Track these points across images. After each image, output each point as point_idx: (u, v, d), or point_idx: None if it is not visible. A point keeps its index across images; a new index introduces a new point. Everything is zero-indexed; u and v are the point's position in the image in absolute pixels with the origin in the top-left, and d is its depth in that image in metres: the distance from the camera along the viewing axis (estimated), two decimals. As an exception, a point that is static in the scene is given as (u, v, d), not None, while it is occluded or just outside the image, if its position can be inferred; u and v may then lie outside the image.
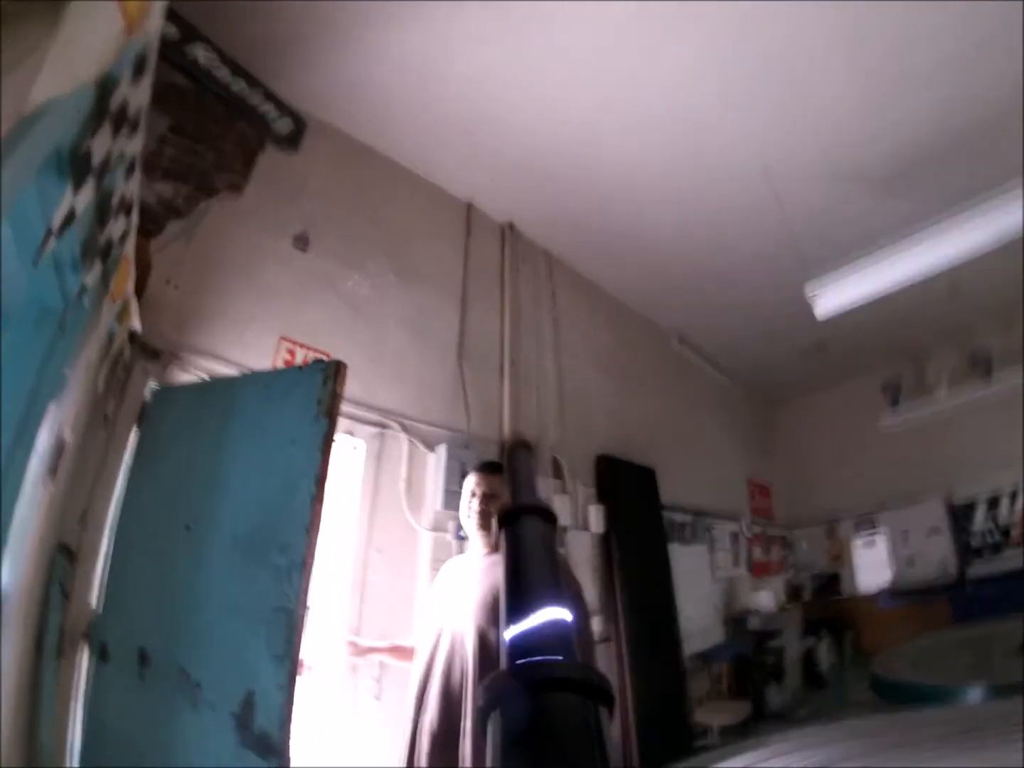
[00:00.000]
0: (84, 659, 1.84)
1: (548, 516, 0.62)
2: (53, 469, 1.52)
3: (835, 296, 3.73)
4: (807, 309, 3.96)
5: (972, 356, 6.52)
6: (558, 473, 4.04)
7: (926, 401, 6.43)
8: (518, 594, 0.45)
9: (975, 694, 2.18)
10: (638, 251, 4.87)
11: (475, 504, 2.05)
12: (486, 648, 1.73)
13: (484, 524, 2.02)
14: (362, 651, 2.18)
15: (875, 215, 4.47)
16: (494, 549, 1.96)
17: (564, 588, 0.47)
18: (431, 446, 3.24)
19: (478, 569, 1.98)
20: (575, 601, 1.86)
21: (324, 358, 2.67)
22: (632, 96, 3.41)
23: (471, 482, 2.11)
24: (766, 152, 3.87)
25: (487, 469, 2.15)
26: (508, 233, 4.39)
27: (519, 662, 0.37)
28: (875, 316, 5.91)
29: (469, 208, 4.17)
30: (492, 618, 1.74)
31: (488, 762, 0.29)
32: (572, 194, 4.17)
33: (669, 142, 3.74)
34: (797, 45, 3.14)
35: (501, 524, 0.61)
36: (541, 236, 4.63)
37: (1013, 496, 6.60)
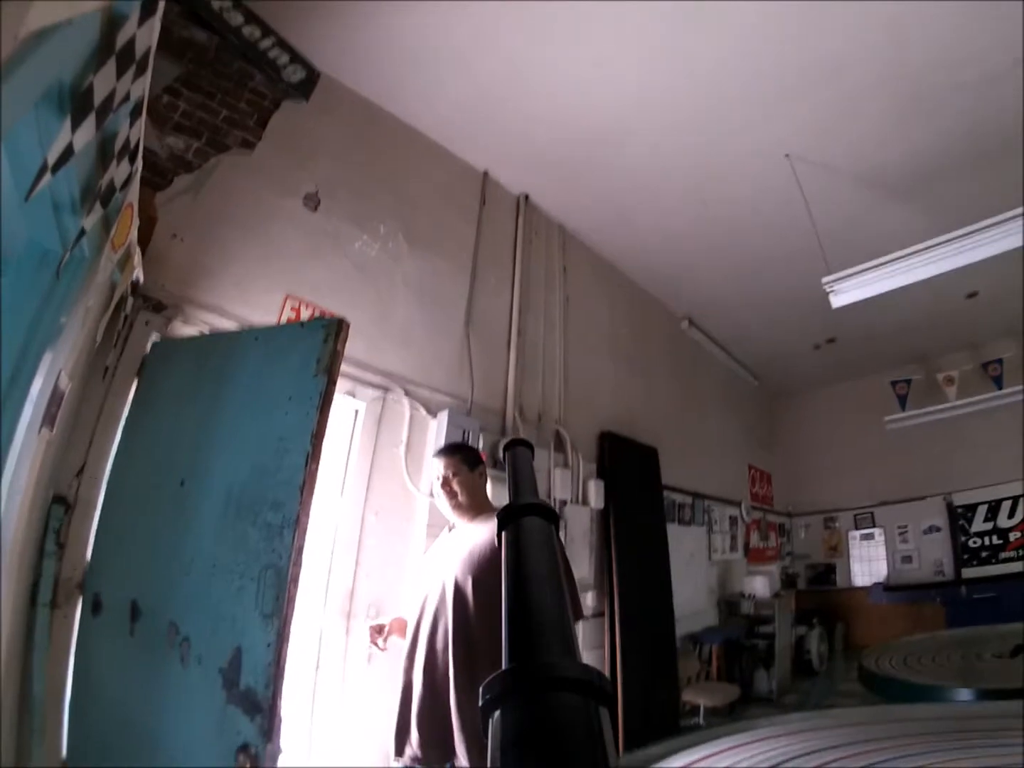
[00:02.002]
0: (78, 610, 1.85)
1: (549, 515, 0.60)
2: (50, 419, 1.49)
3: (852, 289, 3.66)
4: (822, 304, 3.91)
5: (983, 363, 6.47)
6: (560, 447, 4.04)
7: (934, 403, 6.37)
8: (519, 595, 0.43)
9: (963, 696, 2.18)
10: (655, 233, 4.80)
11: (438, 486, 2.14)
12: (461, 595, 1.83)
13: (453, 504, 2.11)
14: (387, 633, 2.19)
15: (897, 222, 4.41)
16: (472, 518, 2.08)
17: (566, 588, 0.45)
18: (433, 412, 3.23)
19: (460, 534, 2.07)
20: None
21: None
22: (660, 84, 3.34)
23: (435, 466, 2.19)
24: (792, 148, 3.81)
25: (444, 452, 2.21)
26: (523, 204, 4.31)
27: (519, 662, 0.35)
28: (890, 317, 5.92)
29: (484, 177, 4.09)
30: (467, 568, 1.86)
31: (488, 763, 0.28)
32: (591, 171, 4.08)
33: (694, 129, 3.67)
34: (835, 50, 3.07)
35: (501, 524, 0.59)
36: (556, 210, 4.56)
37: (1014, 502, 6.59)
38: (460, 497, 2.09)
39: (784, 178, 3.98)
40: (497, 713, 0.31)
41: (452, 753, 1.69)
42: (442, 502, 2.13)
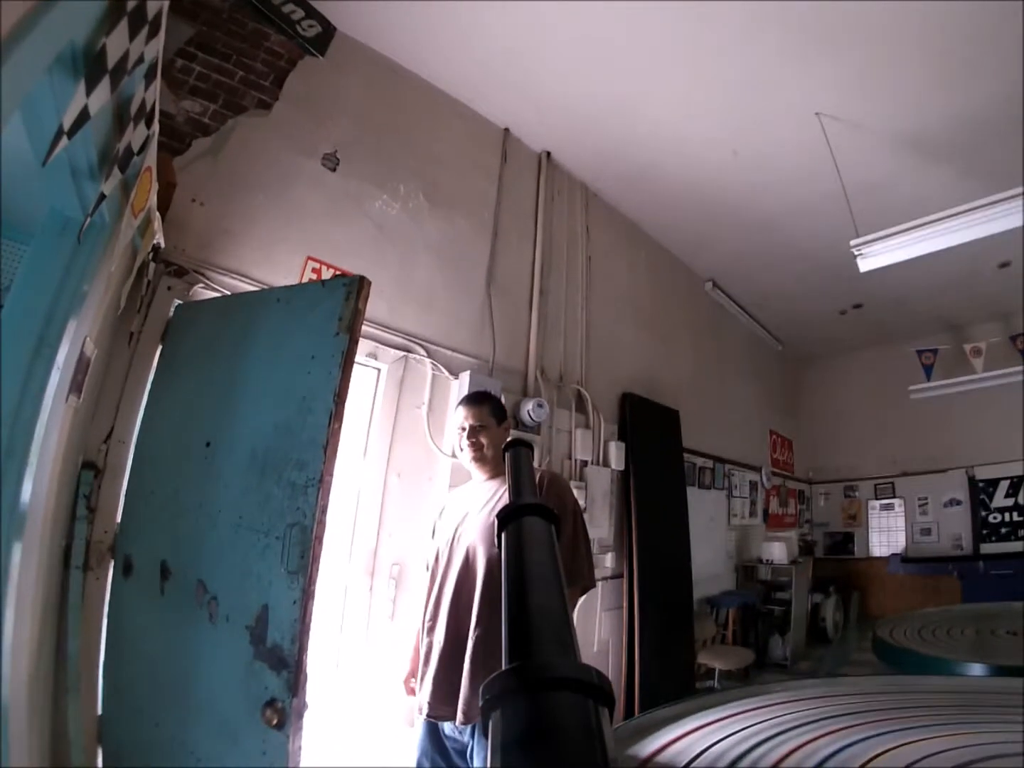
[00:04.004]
0: (110, 572, 1.91)
1: (549, 515, 0.60)
2: (77, 386, 1.52)
3: (880, 253, 3.54)
4: (849, 269, 3.79)
5: (1012, 336, 6.26)
6: (581, 407, 4.05)
7: (960, 374, 6.19)
8: (519, 595, 0.43)
9: (975, 670, 2.17)
10: (679, 191, 4.66)
11: (465, 437, 2.04)
12: (490, 564, 1.81)
13: (477, 456, 2.03)
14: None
15: (931, 186, 4.24)
16: (494, 475, 2.03)
17: (566, 590, 0.45)
18: (455, 373, 3.24)
19: (481, 492, 2.02)
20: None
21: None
22: (687, 36, 3.18)
23: (459, 416, 2.08)
24: (824, 106, 3.64)
25: (473, 401, 2.12)
26: (544, 162, 4.22)
27: (519, 662, 0.36)
28: (919, 284, 5.75)
29: (505, 134, 4.00)
30: (495, 536, 1.80)
31: (488, 762, 0.29)
32: (613, 127, 3.96)
33: (720, 83, 3.51)
34: (873, 6, 2.88)
35: (501, 524, 0.60)
36: (578, 168, 4.45)
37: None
38: (485, 450, 2.02)
39: (814, 137, 3.82)
40: (497, 712, 0.31)
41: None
42: (463, 453, 2.06)
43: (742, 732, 1.14)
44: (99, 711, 1.81)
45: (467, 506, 2.01)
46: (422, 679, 1.85)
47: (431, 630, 1.89)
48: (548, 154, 4.24)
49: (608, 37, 3.20)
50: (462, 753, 1.78)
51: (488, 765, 0.28)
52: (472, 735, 1.74)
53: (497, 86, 3.64)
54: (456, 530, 1.97)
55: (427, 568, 2.10)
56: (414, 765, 1.88)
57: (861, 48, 3.17)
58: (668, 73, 3.46)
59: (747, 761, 0.97)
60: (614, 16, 3.05)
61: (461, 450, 2.08)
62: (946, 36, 3.06)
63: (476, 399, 2.14)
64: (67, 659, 1.70)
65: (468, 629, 1.78)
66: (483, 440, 2.02)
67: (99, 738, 1.80)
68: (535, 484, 0.75)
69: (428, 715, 1.80)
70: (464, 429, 2.05)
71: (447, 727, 1.80)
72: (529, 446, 0.94)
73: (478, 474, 2.08)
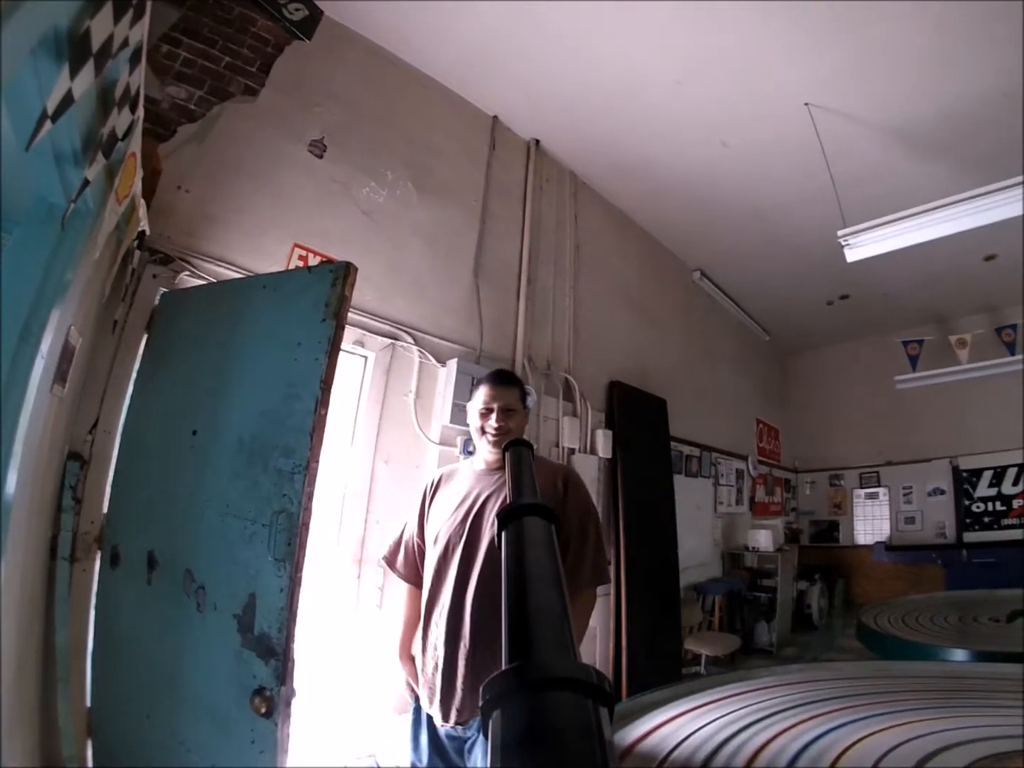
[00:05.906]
0: (97, 563, 1.90)
1: (549, 515, 0.60)
2: (62, 375, 1.50)
3: (868, 243, 3.57)
4: (837, 259, 3.81)
5: (998, 328, 6.34)
6: (569, 395, 4.07)
7: (946, 365, 6.28)
8: (519, 595, 0.44)
9: (957, 656, 2.21)
10: (669, 181, 4.66)
11: (492, 421, 1.83)
12: None
13: (501, 441, 1.81)
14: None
15: (921, 179, 4.25)
16: (503, 464, 1.78)
17: (566, 589, 0.45)
18: (442, 361, 3.24)
19: (494, 483, 1.85)
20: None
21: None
22: (674, 30, 3.18)
23: (484, 395, 1.86)
24: (813, 96, 3.64)
25: (503, 381, 1.90)
26: (533, 150, 4.20)
27: (519, 662, 0.36)
28: (905, 276, 5.80)
29: (494, 122, 3.97)
30: None
31: (488, 762, 0.29)
32: (606, 116, 3.94)
33: (712, 73, 3.50)
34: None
35: (501, 524, 0.60)
36: (567, 156, 4.44)
37: (1020, 469, 6.58)
38: (511, 436, 1.79)
39: (804, 128, 3.82)
40: (497, 712, 0.31)
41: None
42: (484, 435, 1.86)
43: (728, 716, 1.16)
44: (88, 702, 1.81)
45: (473, 492, 1.85)
46: (445, 686, 1.66)
47: (456, 629, 1.68)
48: (537, 142, 4.22)
49: (598, 26, 3.17)
50: (460, 751, 1.68)
51: (488, 765, 0.28)
52: (478, 729, 1.63)
53: (486, 73, 3.61)
54: (468, 521, 1.79)
55: (412, 546, 1.99)
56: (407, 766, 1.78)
57: (853, 39, 3.17)
58: (658, 64, 3.44)
59: (733, 745, 0.99)
60: (604, 5, 3.03)
61: (483, 432, 1.87)
62: (938, 28, 3.06)
63: (505, 380, 1.93)
64: (55, 651, 1.69)
65: (498, 627, 1.64)
66: (511, 425, 1.84)
67: (89, 729, 1.79)
68: (535, 484, 0.75)
69: (456, 721, 1.63)
70: (492, 411, 1.85)
71: (443, 728, 1.68)
72: (529, 445, 0.95)
73: (489, 458, 1.90)
